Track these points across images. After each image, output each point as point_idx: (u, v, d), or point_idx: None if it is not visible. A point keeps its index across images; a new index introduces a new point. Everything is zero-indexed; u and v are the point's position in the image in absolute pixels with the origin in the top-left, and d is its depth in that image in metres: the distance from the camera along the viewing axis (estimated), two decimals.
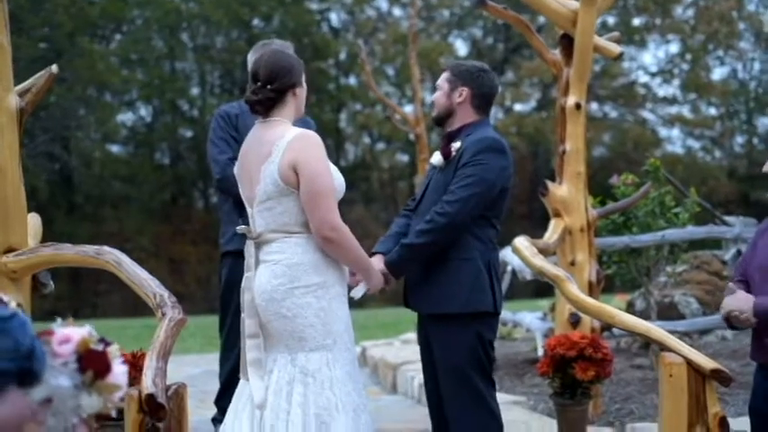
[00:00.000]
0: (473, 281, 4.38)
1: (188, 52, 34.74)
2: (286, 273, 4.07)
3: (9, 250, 5.17)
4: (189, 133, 35.33)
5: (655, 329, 4.74)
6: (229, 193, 5.71)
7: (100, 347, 2.56)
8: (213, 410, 6.38)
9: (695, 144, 36.87)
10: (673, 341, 4.64)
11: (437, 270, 4.42)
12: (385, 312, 19.43)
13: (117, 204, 32.88)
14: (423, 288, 4.48)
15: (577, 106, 6.74)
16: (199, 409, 7.39)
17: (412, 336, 11.47)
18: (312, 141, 4.10)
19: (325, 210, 4.03)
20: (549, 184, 6.70)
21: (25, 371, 2.35)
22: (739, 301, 4.26)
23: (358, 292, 4.41)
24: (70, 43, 30.23)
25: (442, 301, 4.40)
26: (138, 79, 33.31)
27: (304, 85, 4.29)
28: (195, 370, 10.54)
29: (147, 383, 3.86)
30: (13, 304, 2.68)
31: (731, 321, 4.33)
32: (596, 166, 31.24)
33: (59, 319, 2.65)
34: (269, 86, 4.16)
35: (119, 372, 2.58)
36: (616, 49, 7.00)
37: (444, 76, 4.62)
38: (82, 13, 30.93)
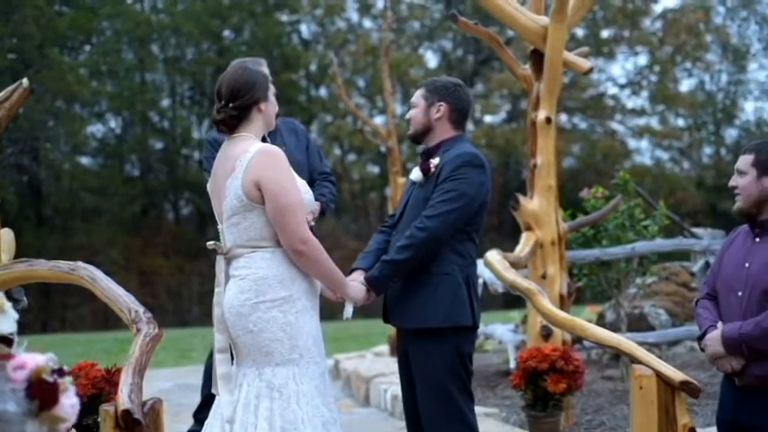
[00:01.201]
0: (452, 295, 4.40)
1: (158, 64, 34.68)
2: (252, 287, 4.08)
3: None
4: (159, 145, 35.27)
5: (625, 342, 4.80)
6: None
7: (51, 378, 2.58)
8: (188, 424, 6.40)
9: (664, 155, 37.26)
10: (642, 353, 4.70)
11: (417, 285, 4.43)
12: (357, 324, 19.47)
13: (87, 216, 32.73)
14: (402, 303, 4.49)
15: (548, 120, 6.82)
16: (174, 423, 7.38)
17: (384, 348, 11.51)
18: (273, 157, 4.08)
19: (295, 224, 4.03)
20: (521, 197, 6.77)
21: None
22: (714, 345, 4.32)
23: (347, 312, 4.42)
24: (39, 54, 30.11)
25: (421, 316, 4.41)
26: (108, 91, 33.24)
27: (270, 98, 4.27)
28: (167, 384, 10.52)
29: (124, 399, 3.86)
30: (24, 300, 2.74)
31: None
32: (566, 177, 31.44)
33: (25, 343, 2.70)
34: (231, 105, 4.16)
35: (67, 404, 2.60)
36: (586, 64, 7.10)
37: (420, 93, 4.62)
38: (51, 24, 30.84)
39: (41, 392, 2.53)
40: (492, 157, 32.40)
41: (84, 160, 34.82)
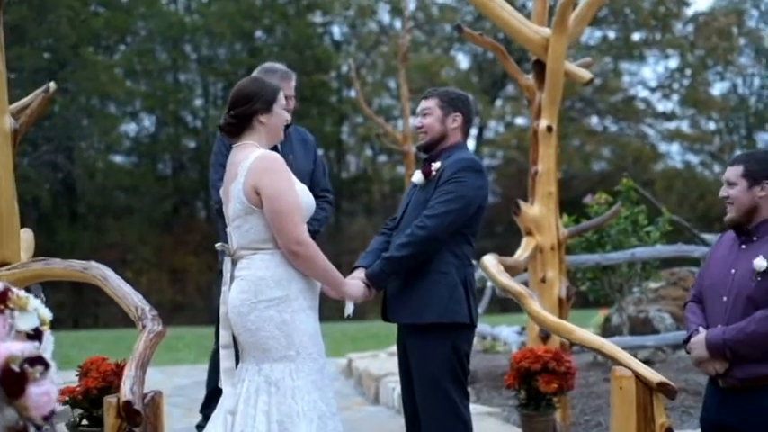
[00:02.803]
0: (450, 293, 4.61)
1: (191, 64, 35.08)
2: (251, 288, 4.31)
3: (2, 264, 5.46)
4: (191, 144, 35.65)
5: (608, 345, 5.00)
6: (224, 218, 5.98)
7: (18, 368, 2.76)
8: (199, 418, 6.65)
9: (694, 159, 37.14)
10: (623, 356, 4.89)
11: (415, 282, 4.64)
12: (377, 325, 19.64)
13: (119, 215, 33.14)
14: (401, 299, 4.70)
15: (549, 129, 7.03)
16: (186, 418, 7.66)
17: (394, 348, 11.70)
18: (271, 163, 4.31)
19: (291, 226, 4.25)
20: (522, 203, 6.98)
21: None
22: (698, 349, 4.51)
23: (348, 309, 4.60)
24: (74, 54, 30.58)
25: (419, 311, 4.62)
26: (142, 90, 33.67)
27: (275, 111, 4.44)
28: (185, 380, 10.78)
29: (125, 391, 4.12)
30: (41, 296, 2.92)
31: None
32: (596, 180, 31.47)
33: (51, 338, 2.92)
34: (231, 112, 4.42)
35: (35, 392, 2.75)
36: (587, 74, 7.28)
37: (434, 102, 4.79)
38: (86, 25, 31.30)
39: (8, 381, 2.69)
40: (522, 160, 32.47)
41: (118, 159, 35.31)
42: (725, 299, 4.43)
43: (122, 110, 34.22)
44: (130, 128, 35.59)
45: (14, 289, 3.03)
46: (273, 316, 4.29)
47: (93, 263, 5.29)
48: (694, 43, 35.59)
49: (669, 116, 36.65)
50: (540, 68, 7.06)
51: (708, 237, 10.33)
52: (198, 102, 35.70)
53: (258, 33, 35.32)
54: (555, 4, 7.09)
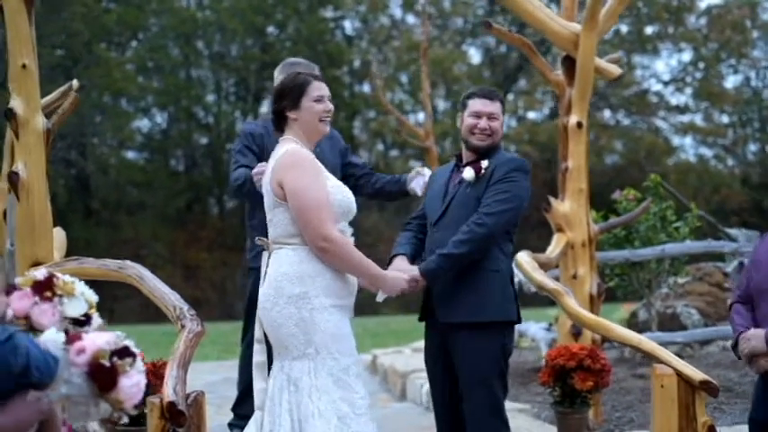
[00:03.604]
0: (502, 291, 4.67)
1: (203, 60, 35.09)
2: (273, 284, 4.30)
3: (36, 264, 5.46)
4: (204, 140, 35.68)
5: (646, 341, 4.98)
6: (244, 198, 6.00)
7: (108, 363, 2.76)
8: (231, 416, 6.64)
9: (708, 152, 37.03)
10: (663, 353, 4.87)
11: (469, 280, 4.63)
12: (397, 320, 19.66)
13: (133, 210, 33.22)
14: (453, 298, 4.67)
15: (579, 125, 6.99)
16: (217, 416, 7.64)
17: (422, 344, 11.70)
18: (297, 159, 4.30)
19: (316, 222, 4.21)
20: (552, 200, 6.94)
21: (24, 386, 2.65)
22: (756, 341, 4.41)
23: (380, 297, 4.57)
24: (87, 51, 30.61)
25: (476, 310, 4.62)
26: (154, 87, 33.69)
27: (304, 106, 4.41)
28: (213, 377, 10.79)
29: (169, 392, 4.11)
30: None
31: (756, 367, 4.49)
32: (611, 174, 31.40)
33: (99, 321, 2.91)
34: (272, 108, 4.52)
35: (127, 384, 2.78)
36: (616, 70, 7.25)
37: (498, 106, 4.84)
38: (98, 22, 31.31)
39: (99, 377, 2.72)
40: (534, 154, 32.40)
41: (131, 155, 35.36)
42: None
43: (135, 106, 34.26)
44: (143, 124, 35.69)
45: (59, 274, 3.03)
46: (293, 313, 4.27)
47: (128, 262, 5.30)
48: (708, 36, 35.48)
49: (682, 109, 36.57)
50: (569, 64, 7.02)
51: (732, 231, 10.29)
52: (210, 98, 35.72)
53: (270, 29, 35.32)
54: None
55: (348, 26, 37.40)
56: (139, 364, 2.93)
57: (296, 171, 4.27)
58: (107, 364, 2.76)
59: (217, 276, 33.04)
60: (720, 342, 9.24)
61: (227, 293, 33.25)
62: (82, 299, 3.01)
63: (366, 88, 36.18)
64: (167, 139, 35.09)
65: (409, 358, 10.41)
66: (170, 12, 33.38)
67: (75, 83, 7.22)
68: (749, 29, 35.69)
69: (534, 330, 9.43)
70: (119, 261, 5.27)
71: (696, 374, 4.75)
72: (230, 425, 6.54)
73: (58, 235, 5.96)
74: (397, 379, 9.37)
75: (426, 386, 8.26)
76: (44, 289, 2.95)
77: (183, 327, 4.65)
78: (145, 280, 5.10)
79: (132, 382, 2.82)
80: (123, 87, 31.56)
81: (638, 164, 33.25)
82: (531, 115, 36.73)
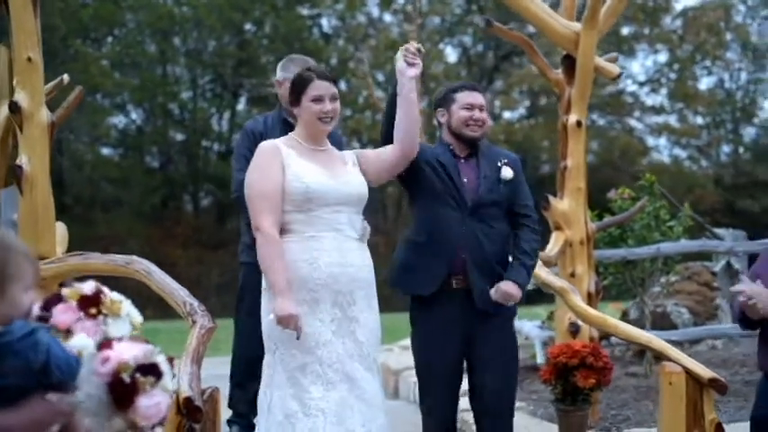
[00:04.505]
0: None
1: (180, 56, 34.90)
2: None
3: (38, 259, 5.41)
4: (180, 137, 35.49)
5: (656, 340, 5.03)
6: (244, 210, 5.94)
7: (128, 378, 2.68)
8: (224, 413, 6.60)
9: (682, 153, 37.33)
10: (673, 351, 4.93)
11: (500, 274, 4.76)
12: (382, 318, 19.57)
13: (107, 207, 33.02)
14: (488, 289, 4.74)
15: (578, 124, 7.04)
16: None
17: (407, 342, 11.70)
18: (255, 152, 4.46)
19: (253, 213, 4.34)
20: (551, 198, 6.98)
21: (43, 384, 2.60)
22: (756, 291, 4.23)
23: (270, 317, 4.27)
24: (64, 46, 30.38)
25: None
26: (130, 82, 33.46)
27: (304, 104, 4.46)
28: (202, 374, 10.71)
29: (184, 387, 4.10)
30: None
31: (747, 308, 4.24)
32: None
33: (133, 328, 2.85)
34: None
35: (144, 405, 2.69)
36: (615, 69, 7.30)
37: (483, 97, 4.94)
38: (75, 16, 31.07)
39: (118, 393, 2.65)
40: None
41: (106, 151, 35.16)
42: None
43: (110, 102, 34.02)
44: (118, 120, 35.43)
45: (106, 291, 2.97)
46: (264, 304, 4.36)
47: (135, 257, 5.27)
48: (683, 38, 35.74)
49: (657, 110, 36.80)
50: (569, 63, 7.05)
51: (719, 231, 10.39)
52: (186, 94, 35.51)
53: (247, 26, 35.13)
54: None
55: (325, 24, 37.36)
56: (165, 383, 2.83)
57: (250, 167, 4.42)
58: (127, 379, 2.68)
59: (192, 273, 32.81)
60: (710, 341, 9.33)
61: (203, 290, 33.12)
62: (127, 320, 2.94)
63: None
64: (143, 136, 34.86)
65: (400, 356, 10.41)
66: (147, 7, 33.14)
67: (65, 77, 7.21)
68: (723, 31, 36.00)
69: (528, 328, 9.47)
70: (126, 256, 5.24)
71: (705, 372, 4.81)
72: (229, 422, 6.50)
73: (60, 229, 5.91)
74: (390, 376, 9.37)
75: None
76: (90, 305, 2.87)
77: (194, 322, 4.64)
78: (153, 275, 5.08)
79: (152, 402, 2.70)
80: (99, 83, 31.31)
81: (612, 164, 33.46)
82: (507, 115, 36.86)
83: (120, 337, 2.89)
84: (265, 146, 4.45)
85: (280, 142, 4.48)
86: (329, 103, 4.45)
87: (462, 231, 4.70)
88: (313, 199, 4.33)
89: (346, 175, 4.46)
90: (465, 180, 4.78)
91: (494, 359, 4.75)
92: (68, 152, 32.15)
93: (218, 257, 33.52)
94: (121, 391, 2.68)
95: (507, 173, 4.83)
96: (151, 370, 2.70)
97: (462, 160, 4.85)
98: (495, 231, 4.76)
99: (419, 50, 4.48)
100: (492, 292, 4.71)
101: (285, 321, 4.15)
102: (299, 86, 4.49)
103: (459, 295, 4.72)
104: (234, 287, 6.55)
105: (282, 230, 4.31)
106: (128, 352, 2.73)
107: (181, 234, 33.75)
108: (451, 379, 4.82)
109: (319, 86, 4.45)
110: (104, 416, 2.70)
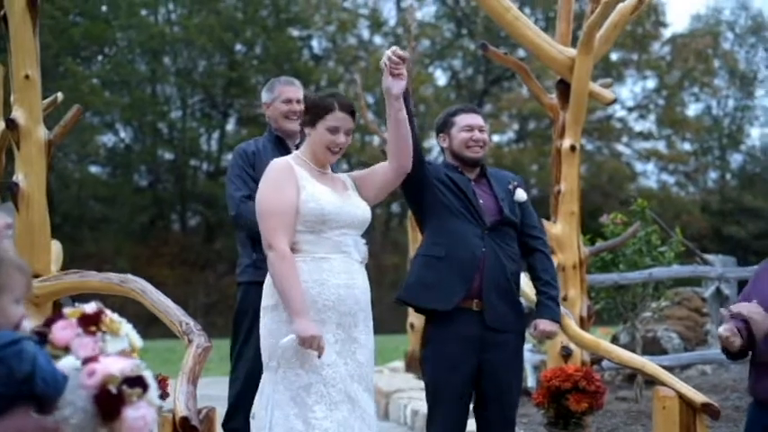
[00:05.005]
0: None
1: (170, 76, 34.93)
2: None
3: (34, 276, 5.40)
4: (168, 156, 35.46)
5: (649, 364, 5.05)
6: (242, 229, 5.92)
7: (115, 390, 2.67)
8: None
9: (669, 179, 37.51)
10: (666, 376, 4.95)
11: (512, 293, 4.84)
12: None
13: (95, 225, 32.92)
14: (502, 307, 4.76)
15: (572, 148, 7.09)
16: None
17: (400, 364, 11.74)
18: (267, 170, 4.42)
19: (265, 231, 4.27)
20: (545, 222, 7.00)
21: (25, 395, 2.59)
22: (756, 310, 4.22)
23: (285, 341, 4.19)
24: (54, 64, 30.37)
25: (523, 322, 4.91)
26: (120, 101, 33.45)
27: (319, 130, 4.38)
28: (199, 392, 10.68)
29: (181, 407, 4.10)
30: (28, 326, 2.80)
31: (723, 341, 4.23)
32: None
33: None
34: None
35: (132, 416, 2.65)
36: (610, 95, 7.36)
37: (482, 118, 5.00)
38: (66, 35, 31.09)
39: (104, 404, 2.61)
40: None
41: (94, 169, 35.10)
42: None
43: (100, 120, 33.99)
44: (107, 138, 35.40)
45: (107, 311, 2.97)
46: (266, 323, 4.32)
47: (130, 276, 5.26)
48: (671, 64, 35.99)
49: (646, 136, 37.00)
50: (563, 88, 7.11)
51: (709, 257, 10.44)
52: (175, 114, 35.53)
53: (238, 46, 35.24)
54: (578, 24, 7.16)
55: (316, 45, 37.48)
56: (152, 397, 2.83)
57: (262, 182, 4.37)
58: (114, 390, 2.68)
59: (179, 293, 32.73)
60: (700, 366, 9.37)
61: (190, 310, 32.98)
62: (126, 339, 2.94)
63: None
64: (131, 154, 34.83)
65: (390, 378, 10.43)
66: (138, 27, 33.20)
67: (59, 95, 7.23)
68: (711, 58, 36.28)
69: None
70: (121, 275, 5.24)
71: (698, 397, 4.83)
72: None
73: (55, 247, 5.90)
74: (381, 398, 9.36)
75: (410, 406, 8.28)
76: (90, 323, 2.88)
77: (190, 341, 4.64)
78: (148, 294, 5.08)
79: (138, 414, 2.68)
80: (89, 101, 31.29)
81: (601, 189, 33.58)
82: (496, 138, 36.97)
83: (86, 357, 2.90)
84: (279, 163, 4.41)
85: (291, 160, 4.46)
86: (343, 136, 4.39)
87: (482, 248, 4.72)
88: (327, 221, 4.30)
89: (353, 198, 4.46)
90: (481, 201, 4.81)
91: (510, 374, 4.81)
92: (57, 170, 32.04)
93: (205, 277, 33.53)
94: (108, 402, 2.65)
95: (521, 195, 4.89)
96: (138, 382, 2.69)
97: (473, 182, 4.88)
98: (513, 251, 4.81)
99: (402, 59, 4.30)
100: (530, 331, 4.87)
101: (308, 342, 4.10)
102: (318, 111, 4.40)
103: (478, 315, 4.72)
104: (221, 307, 6.55)
105: (291, 250, 4.29)
106: (114, 365, 2.73)
107: (168, 253, 33.69)
108: (462, 399, 4.78)
109: (338, 118, 4.38)
110: (90, 429, 2.69)
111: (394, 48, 4.34)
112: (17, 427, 2.54)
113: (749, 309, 4.20)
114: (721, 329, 4.20)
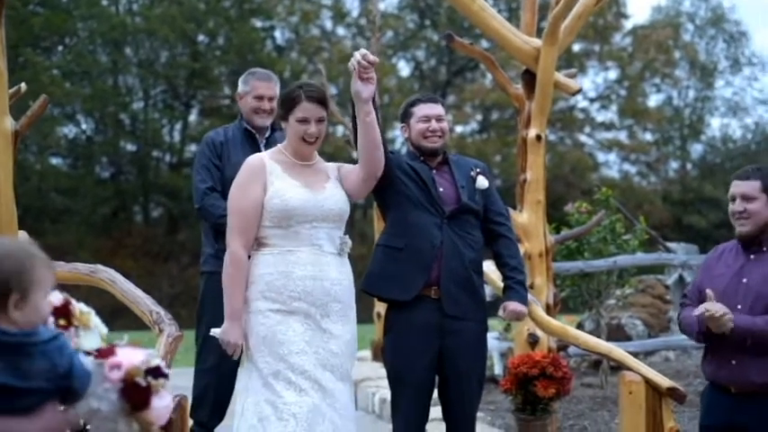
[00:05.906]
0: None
1: (132, 66, 34.64)
2: None
3: None
4: (131, 147, 35.20)
5: (616, 350, 5.13)
6: (206, 220, 5.92)
7: (143, 382, 2.74)
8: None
9: (631, 169, 37.76)
10: (632, 361, 5.03)
11: (473, 281, 4.86)
12: None
13: (57, 217, 32.61)
14: (461, 296, 4.81)
15: (538, 138, 7.15)
16: None
17: (366, 353, 11.77)
18: (244, 165, 4.52)
19: (228, 228, 4.44)
20: (511, 211, 7.06)
21: (64, 389, 2.64)
22: (722, 307, 4.27)
23: (214, 331, 4.50)
24: (14, 54, 30.03)
25: (485, 310, 4.98)
26: (81, 92, 33.14)
27: (290, 123, 4.47)
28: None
29: None
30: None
31: (708, 323, 4.29)
32: None
33: (126, 337, 2.89)
34: None
35: (159, 406, 2.76)
36: (575, 85, 7.42)
37: (441, 108, 5.01)
38: (25, 25, 30.75)
39: (134, 396, 2.68)
40: None
41: (55, 161, 34.73)
42: (739, 307, 4.41)
43: (61, 111, 33.65)
44: (68, 130, 35.05)
45: (74, 301, 3.00)
46: (243, 315, 4.45)
47: (99, 266, 5.28)
48: (633, 55, 36.23)
49: (608, 126, 37.24)
50: (529, 78, 7.16)
51: (671, 245, 10.57)
52: (138, 105, 35.27)
53: (201, 37, 35.01)
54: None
55: (279, 36, 37.33)
56: (169, 385, 2.89)
57: (236, 178, 4.49)
58: (143, 383, 2.73)
59: (143, 285, 32.17)
60: (663, 352, 9.49)
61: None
62: (96, 332, 2.98)
63: None
64: (93, 146, 34.51)
65: (358, 367, 10.42)
66: (99, 17, 32.86)
67: (23, 86, 7.19)
68: (672, 49, 36.57)
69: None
70: (90, 265, 5.25)
71: (663, 381, 4.91)
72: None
73: (22, 239, 5.86)
74: None
75: (378, 394, 8.32)
76: (60, 315, 2.91)
77: (161, 331, 4.66)
78: (117, 284, 5.10)
79: (164, 403, 2.78)
80: (50, 92, 30.86)
81: (564, 179, 33.75)
82: (460, 129, 37.04)
83: (97, 349, 2.92)
84: (251, 161, 4.52)
85: (266, 156, 4.53)
86: (314, 125, 4.45)
87: (440, 238, 4.75)
88: (292, 216, 4.39)
89: (328, 190, 4.49)
90: (441, 189, 4.84)
91: (475, 363, 4.87)
92: (17, 162, 31.72)
93: (168, 269, 33.34)
94: (139, 394, 2.73)
95: (483, 182, 4.91)
96: (158, 372, 2.76)
97: (434, 170, 4.91)
98: (473, 239, 4.83)
99: (372, 63, 4.31)
100: (500, 313, 4.93)
101: (228, 347, 4.41)
102: (287, 104, 4.50)
103: (437, 303, 4.77)
104: (185, 298, 6.54)
105: (260, 244, 4.43)
106: (135, 358, 2.78)
107: (131, 245, 33.46)
108: (424, 386, 4.84)
109: (306, 109, 4.44)
110: (118, 421, 2.73)
111: (364, 51, 4.34)
112: (46, 426, 2.57)
113: (717, 309, 4.24)
114: (717, 308, 4.22)
